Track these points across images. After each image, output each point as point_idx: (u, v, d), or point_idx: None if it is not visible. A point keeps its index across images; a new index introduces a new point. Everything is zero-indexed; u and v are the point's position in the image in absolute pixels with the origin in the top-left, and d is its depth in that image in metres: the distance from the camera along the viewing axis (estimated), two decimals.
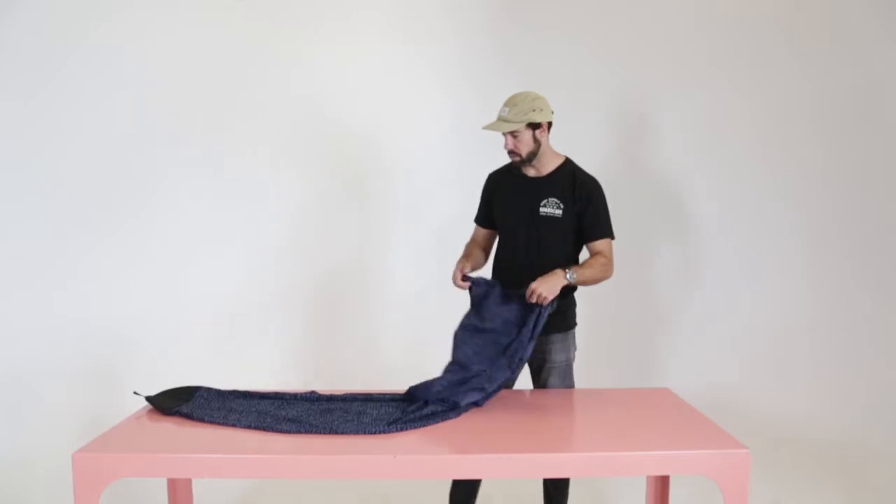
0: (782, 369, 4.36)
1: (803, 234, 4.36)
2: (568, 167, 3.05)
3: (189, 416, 2.59)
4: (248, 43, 4.34)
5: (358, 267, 4.50)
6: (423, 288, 4.39)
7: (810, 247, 4.36)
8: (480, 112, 4.27)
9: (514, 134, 2.91)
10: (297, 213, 4.46)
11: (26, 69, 4.24)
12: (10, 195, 4.31)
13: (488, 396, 2.75)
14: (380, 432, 2.46)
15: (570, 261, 3.04)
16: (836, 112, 4.30)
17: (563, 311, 3.02)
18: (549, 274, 2.82)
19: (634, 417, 2.67)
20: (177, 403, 2.68)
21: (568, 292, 2.98)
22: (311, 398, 2.79)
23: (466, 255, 3.11)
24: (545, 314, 2.80)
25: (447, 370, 2.88)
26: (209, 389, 2.84)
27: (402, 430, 2.49)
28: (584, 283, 2.92)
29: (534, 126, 2.91)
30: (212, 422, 2.55)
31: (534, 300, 2.77)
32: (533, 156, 2.97)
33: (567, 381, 3.12)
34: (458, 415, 2.64)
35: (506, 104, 2.93)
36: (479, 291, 2.95)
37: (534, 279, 2.81)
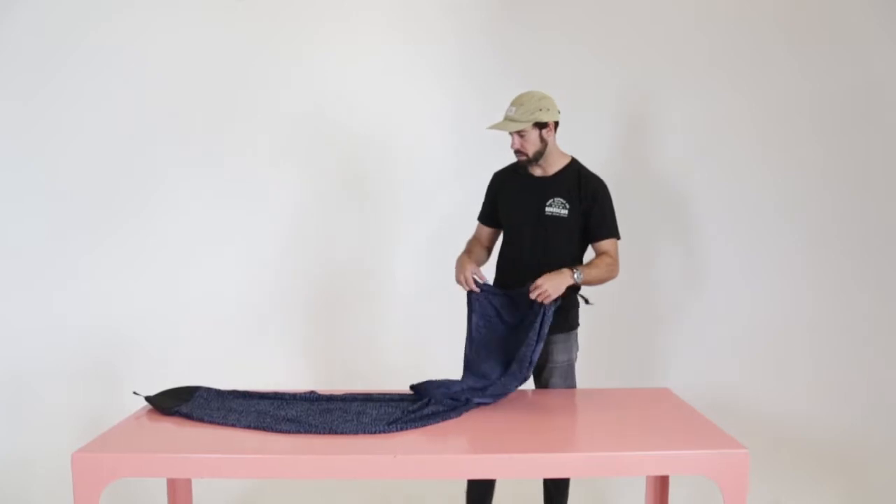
0: (782, 369, 4.35)
1: (803, 234, 4.36)
2: (574, 167, 3.06)
3: (188, 416, 2.59)
4: (248, 43, 4.33)
5: (358, 267, 4.50)
6: (423, 288, 4.39)
7: (810, 247, 4.36)
8: (480, 112, 4.27)
9: (520, 133, 2.92)
10: (297, 213, 4.46)
11: (26, 69, 4.24)
12: (10, 195, 4.31)
13: (497, 398, 2.78)
14: (379, 432, 2.46)
15: (576, 261, 3.05)
16: (836, 112, 4.29)
17: (565, 312, 3.03)
18: (557, 272, 2.82)
19: (634, 417, 2.67)
20: (176, 403, 2.68)
21: (571, 292, 2.98)
22: (311, 398, 2.79)
23: (468, 251, 3.11)
24: (550, 314, 2.80)
25: (468, 375, 2.89)
26: (209, 389, 2.85)
27: (401, 429, 2.49)
28: (590, 283, 2.93)
29: (540, 125, 2.91)
30: (211, 422, 2.55)
31: (535, 295, 2.77)
32: (540, 155, 2.97)
33: (569, 382, 3.12)
34: (459, 415, 2.64)
35: (512, 104, 2.93)
36: (483, 299, 2.95)
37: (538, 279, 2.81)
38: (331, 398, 2.79)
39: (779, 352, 4.37)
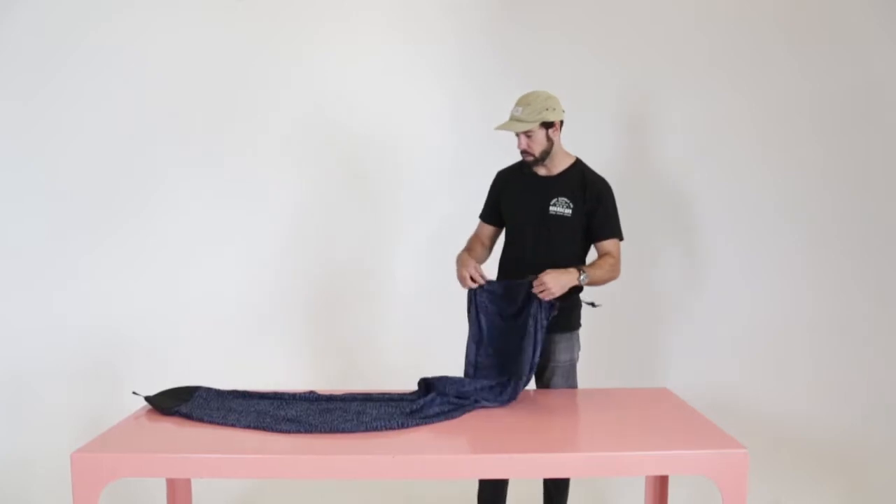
0: (782, 369, 4.35)
1: (803, 234, 4.36)
2: (578, 167, 3.06)
3: (188, 416, 2.59)
4: (248, 43, 4.34)
5: (358, 267, 4.50)
6: (423, 288, 4.39)
7: (810, 247, 4.36)
8: (480, 112, 4.30)
9: (527, 134, 2.92)
10: (297, 213, 4.46)
11: (26, 69, 4.25)
12: (10, 195, 4.31)
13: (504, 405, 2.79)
14: (379, 429, 2.46)
15: (578, 261, 3.05)
16: (836, 112, 4.29)
17: (567, 312, 3.03)
18: (564, 270, 2.81)
19: (634, 417, 2.67)
20: (176, 403, 2.68)
21: (572, 293, 2.98)
22: (311, 398, 2.78)
23: (469, 249, 3.11)
24: (550, 314, 2.80)
25: (479, 377, 2.90)
26: (208, 389, 2.84)
27: (402, 426, 2.49)
28: (594, 284, 2.93)
29: (547, 125, 2.92)
30: (211, 422, 2.54)
31: (538, 290, 2.77)
32: (546, 155, 2.97)
33: (570, 381, 3.12)
34: (461, 415, 2.64)
35: (518, 104, 2.93)
36: (485, 299, 2.95)
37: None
38: (330, 398, 2.79)
39: (779, 352, 4.37)
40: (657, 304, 4.45)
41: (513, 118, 2.92)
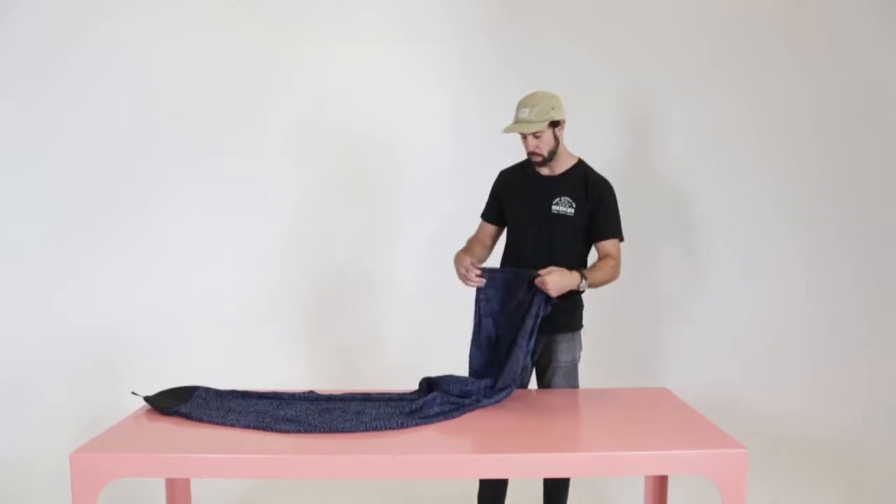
0: (782, 369, 4.35)
1: (803, 234, 4.36)
2: (581, 167, 3.07)
3: (187, 416, 2.59)
4: (248, 43, 4.34)
5: (358, 267, 4.50)
6: (423, 288, 4.39)
7: (810, 247, 4.36)
8: (480, 112, 4.31)
9: (536, 135, 2.91)
10: (297, 213, 4.46)
11: (26, 69, 4.25)
12: (10, 195, 4.31)
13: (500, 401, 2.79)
14: (379, 429, 2.46)
15: (580, 260, 3.05)
16: (836, 112, 4.29)
17: (570, 312, 3.05)
18: (568, 273, 2.80)
19: (633, 417, 2.67)
20: (175, 403, 2.68)
21: (574, 293, 2.98)
22: (310, 398, 2.78)
23: (466, 249, 3.11)
24: (546, 311, 2.80)
25: (485, 374, 2.90)
26: (207, 389, 2.84)
27: (402, 426, 2.49)
28: (594, 287, 2.93)
29: (553, 124, 2.92)
30: (210, 422, 2.54)
31: (538, 283, 2.76)
32: (553, 154, 2.98)
33: (571, 382, 3.13)
34: (461, 415, 2.64)
35: (524, 105, 2.92)
36: (491, 289, 2.94)
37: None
38: (330, 398, 2.79)
39: (779, 352, 4.37)
40: (657, 304, 4.45)
41: (520, 120, 2.91)
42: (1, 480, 3.91)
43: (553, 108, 2.90)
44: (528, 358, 2.86)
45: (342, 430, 2.44)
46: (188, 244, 4.40)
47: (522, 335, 2.80)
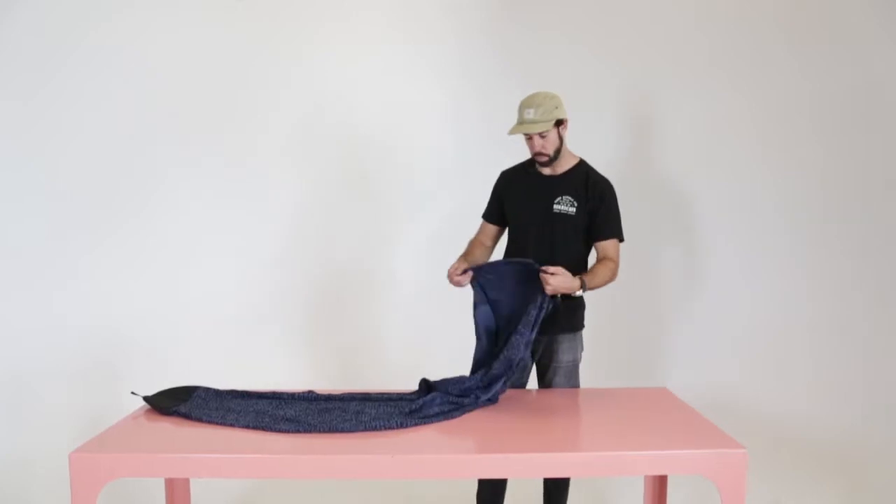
0: (782, 369, 4.35)
1: (803, 234, 4.35)
2: (582, 167, 3.07)
3: (187, 416, 2.59)
4: (248, 43, 4.34)
5: (358, 267, 4.50)
6: (423, 288, 4.38)
7: (810, 247, 4.35)
8: (480, 112, 4.31)
9: (541, 135, 2.92)
10: (297, 213, 4.46)
11: (26, 69, 4.25)
12: (10, 195, 4.31)
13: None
14: (378, 429, 2.46)
15: (581, 260, 3.05)
16: (836, 112, 4.29)
17: (571, 313, 3.05)
18: (571, 278, 2.79)
19: (632, 417, 2.67)
20: (174, 403, 2.68)
21: (570, 295, 2.97)
22: (309, 398, 2.79)
23: (465, 255, 3.12)
24: (550, 304, 2.79)
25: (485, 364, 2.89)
26: (207, 389, 2.84)
27: (401, 426, 2.50)
28: (591, 290, 2.93)
29: (557, 123, 2.93)
30: (209, 422, 2.54)
31: (543, 278, 2.75)
32: (558, 153, 2.98)
33: (572, 382, 3.13)
34: (460, 415, 2.64)
35: (528, 106, 2.92)
36: (485, 279, 2.93)
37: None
38: (329, 398, 2.79)
39: (779, 352, 4.36)
40: (657, 304, 4.45)
41: (525, 121, 2.91)
42: (1, 480, 3.91)
43: (556, 108, 2.91)
44: (528, 351, 2.84)
45: (341, 430, 2.45)
46: (188, 244, 4.40)
47: (525, 324, 2.79)
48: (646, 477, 2.99)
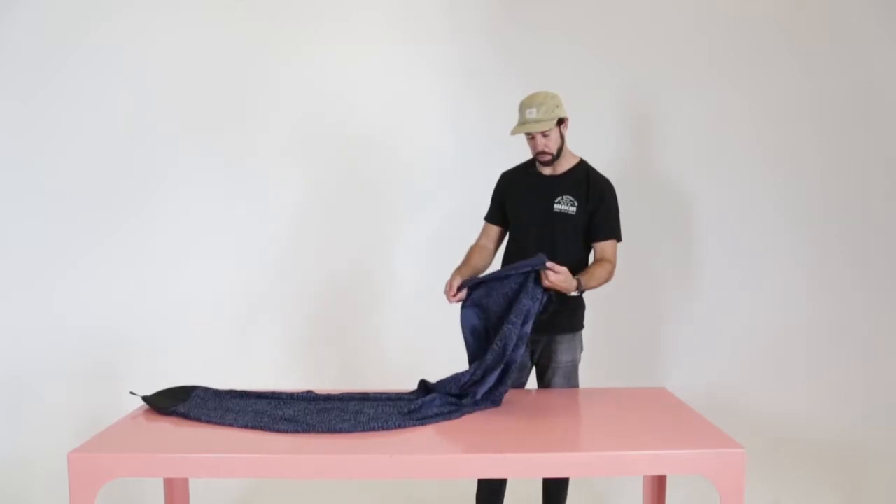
0: (782, 369, 4.35)
1: (803, 234, 4.35)
2: (583, 167, 3.08)
3: (185, 416, 2.59)
4: (248, 43, 4.34)
5: (358, 267, 4.50)
6: (423, 288, 4.36)
7: (810, 247, 4.35)
8: (480, 112, 4.32)
9: (544, 133, 2.92)
10: (297, 213, 4.46)
11: (26, 69, 4.25)
12: (10, 195, 4.31)
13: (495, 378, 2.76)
14: (377, 429, 2.46)
15: (582, 259, 3.06)
16: (836, 112, 4.28)
17: (571, 313, 3.05)
18: (570, 277, 2.78)
19: (631, 417, 2.67)
20: (173, 403, 2.68)
21: (565, 295, 2.97)
22: (308, 398, 2.78)
23: (463, 264, 3.09)
24: (544, 297, 2.78)
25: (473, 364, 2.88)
26: (206, 389, 2.84)
27: (399, 426, 2.49)
28: (588, 290, 2.94)
29: (559, 122, 2.94)
30: (208, 421, 2.54)
31: (546, 273, 2.74)
32: (559, 152, 2.99)
33: (572, 382, 3.13)
34: (460, 416, 2.63)
35: (529, 106, 2.92)
36: (478, 292, 2.92)
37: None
38: (328, 398, 2.79)
39: (779, 352, 4.36)
40: (657, 304, 4.45)
41: (529, 121, 2.90)
42: (1, 480, 3.91)
43: (557, 107, 2.93)
44: (524, 346, 2.80)
45: (340, 430, 2.44)
46: (188, 244, 4.40)
47: (517, 314, 2.74)
48: (645, 477, 2.98)
